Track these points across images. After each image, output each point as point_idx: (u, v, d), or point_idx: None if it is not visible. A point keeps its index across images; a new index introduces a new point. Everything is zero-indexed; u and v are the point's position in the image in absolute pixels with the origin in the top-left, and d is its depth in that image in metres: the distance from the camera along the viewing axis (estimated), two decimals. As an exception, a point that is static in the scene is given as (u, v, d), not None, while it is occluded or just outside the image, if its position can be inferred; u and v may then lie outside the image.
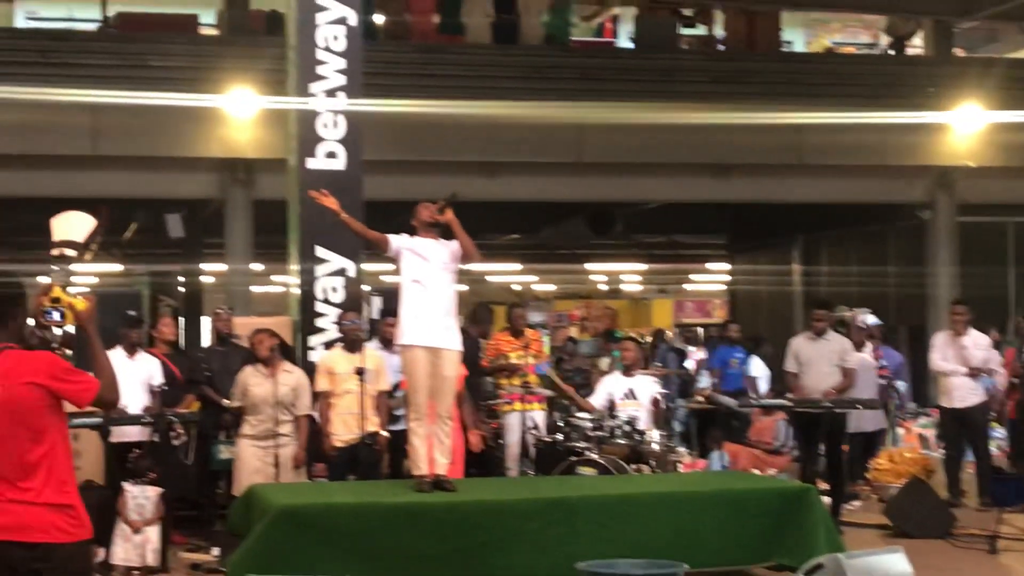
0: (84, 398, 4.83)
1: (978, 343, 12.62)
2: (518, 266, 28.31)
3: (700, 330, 25.18)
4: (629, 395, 11.35)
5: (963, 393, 12.50)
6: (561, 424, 10.87)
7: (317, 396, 10.14)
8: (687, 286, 33.22)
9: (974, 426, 12.56)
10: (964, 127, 17.65)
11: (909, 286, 18.81)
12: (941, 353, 12.69)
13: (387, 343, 10.89)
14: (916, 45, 21.20)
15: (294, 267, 11.88)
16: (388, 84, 14.59)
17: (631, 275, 32.49)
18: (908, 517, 10.81)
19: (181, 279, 22.14)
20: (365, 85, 12.07)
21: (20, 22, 22.73)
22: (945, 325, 13.81)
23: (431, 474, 8.58)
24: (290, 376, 10.09)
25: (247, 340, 10.70)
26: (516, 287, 31.96)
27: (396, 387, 10.41)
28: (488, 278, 27.80)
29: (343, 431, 9.91)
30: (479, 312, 13.62)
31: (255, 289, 20.20)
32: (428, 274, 8.55)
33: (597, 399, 11.36)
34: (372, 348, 10.52)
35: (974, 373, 12.40)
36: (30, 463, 4.71)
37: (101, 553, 9.35)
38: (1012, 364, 12.61)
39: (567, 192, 18.22)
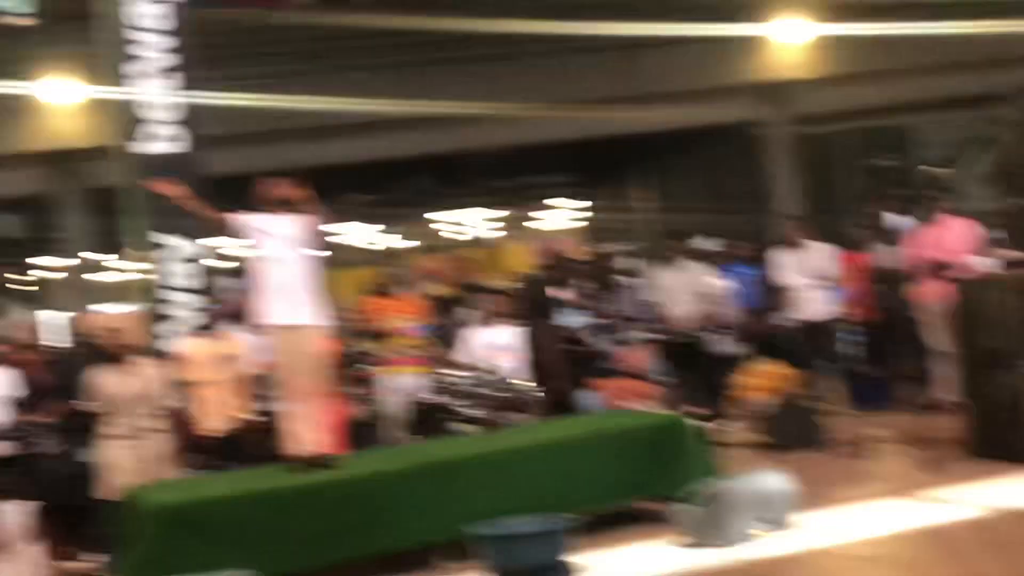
0: None
1: (821, 253, 12.80)
2: (371, 225, 28.09)
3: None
4: (495, 346, 11.34)
5: (816, 305, 12.72)
6: (436, 384, 10.83)
7: (180, 385, 9.93)
8: (540, 226, 33.28)
9: (827, 336, 12.81)
10: (790, 39, 17.85)
11: (752, 204, 19.13)
12: (790, 268, 12.87)
13: (242, 321, 10.72)
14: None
15: (138, 255, 11.60)
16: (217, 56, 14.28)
17: (484, 222, 32.40)
18: (779, 430, 11.04)
19: (21, 278, 21.56)
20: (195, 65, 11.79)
21: None
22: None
23: (308, 453, 8.48)
24: (145, 369, 9.82)
25: (98, 337, 10.42)
26: (372, 247, 31.69)
27: (263, 367, 10.24)
28: (341, 240, 27.49)
29: (213, 420, 9.73)
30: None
31: (104, 280, 19.70)
32: (281, 250, 8.37)
33: (464, 353, 11.33)
34: (232, 331, 10.32)
35: (826, 283, 12.62)
36: None
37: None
38: (866, 268, 12.84)
39: (409, 148, 18.09)
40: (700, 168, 21.57)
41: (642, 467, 8.66)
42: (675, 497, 8.29)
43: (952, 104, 18.81)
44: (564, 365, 11.36)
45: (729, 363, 13.61)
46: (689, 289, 11.54)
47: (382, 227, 29.40)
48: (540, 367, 11.01)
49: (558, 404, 10.97)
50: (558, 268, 13.08)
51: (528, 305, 11.19)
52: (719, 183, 20.51)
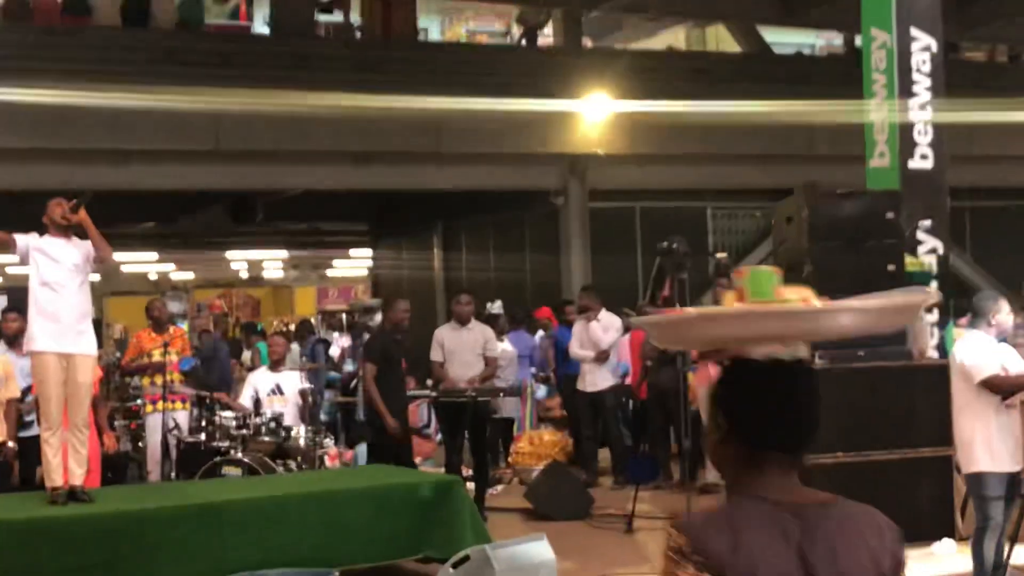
0: None
1: (608, 326, 13.09)
2: (154, 255, 27.46)
3: (344, 316, 25.14)
4: (276, 391, 11.21)
5: (595, 377, 12.98)
6: (204, 423, 10.58)
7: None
8: (330, 272, 33.12)
9: (606, 409, 13.06)
10: (593, 115, 18.28)
11: (545, 272, 19.39)
12: (576, 339, 13.13)
13: (10, 342, 10.33)
14: (547, 35, 21.82)
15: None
16: (8, 68, 13.82)
17: (273, 262, 32.09)
18: (549, 499, 11.13)
19: None
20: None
21: None
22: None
23: (66, 484, 8.17)
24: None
25: None
26: (153, 276, 30.99)
27: (27, 391, 9.87)
28: (123, 268, 26.80)
29: (-31, 441, 9.31)
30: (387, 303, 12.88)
31: None
32: (59, 276, 8.11)
33: (244, 396, 11.14)
34: (0, 351, 9.92)
35: (601, 357, 12.90)
36: None
37: None
38: (642, 346, 13.12)
39: (205, 180, 17.81)
40: (500, 231, 21.78)
41: (413, 527, 8.60)
42: (442, 560, 8.25)
43: (745, 194, 19.48)
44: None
45: (507, 427, 13.74)
46: (473, 350, 11.56)
47: (164, 258, 28.81)
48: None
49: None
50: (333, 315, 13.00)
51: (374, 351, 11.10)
52: (517, 248, 20.74)
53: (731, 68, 20.60)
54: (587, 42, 22.01)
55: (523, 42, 21.58)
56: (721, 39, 24.70)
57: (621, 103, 17.91)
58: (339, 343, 19.64)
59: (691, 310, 2.99)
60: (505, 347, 13.12)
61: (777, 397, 2.53)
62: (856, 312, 2.80)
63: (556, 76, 18.23)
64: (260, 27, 20.90)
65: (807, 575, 2.39)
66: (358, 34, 19.83)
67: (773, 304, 2.79)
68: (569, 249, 19.05)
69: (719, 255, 15.74)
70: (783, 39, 25.08)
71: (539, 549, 8.10)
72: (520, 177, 19.00)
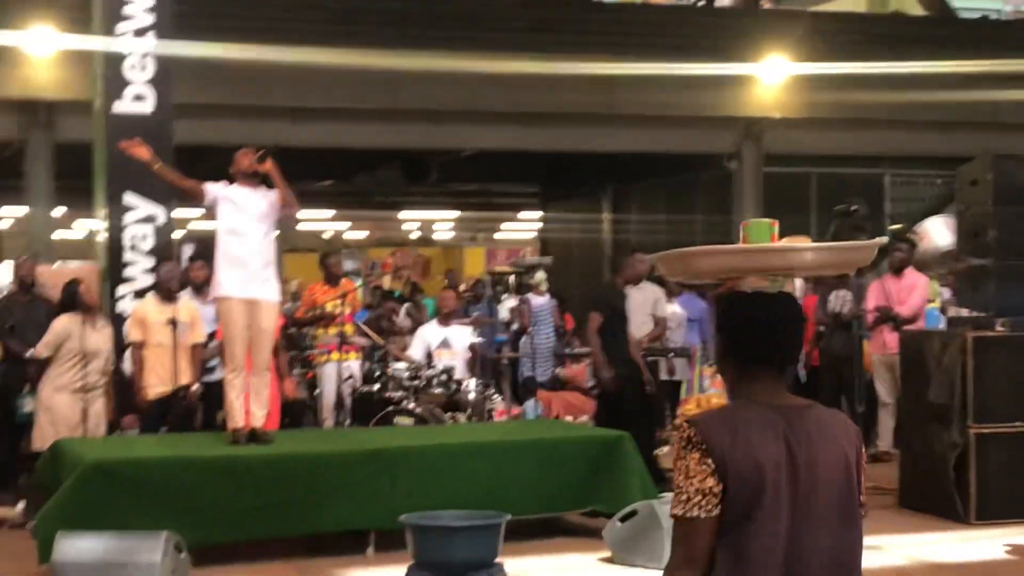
0: None
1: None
2: (330, 213, 27.98)
3: (511, 278, 25.29)
4: (445, 344, 11.37)
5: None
6: (378, 374, 10.81)
7: (129, 346, 9.89)
8: (498, 234, 33.34)
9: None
10: (770, 79, 18.05)
11: (716, 234, 19.21)
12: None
13: (197, 289, 10.69)
14: (725, -3, 21.61)
15: (101, 213, 11.50)
16: (198, 25, 14.18)
17: (443, 223, 32.43)
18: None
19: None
20: (174, 26, 11.72)
21: None
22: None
23: (247, 426, 8.45)
24: (107, 328, 9.83)
25: (51, 288, 10.33)
26: (327, 235, 31.61)
27: (210, 337, 10.22)
28: (299, 225, 27.39)
29: (156, 383, 9.68)
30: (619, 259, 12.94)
31: (56, 235, 19.50)
32: (245, 224, 8.37)
33: (415, 349, 11.34)
34: (186, 298, 10.26)
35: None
36: None
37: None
38: (815, 312, 12.94)
39: (381, 139, 18.07)
40: (671, 194, 21.68)
41: (581, 481, 8.66)
42: (607, 514, 8.32)
43: (924, 161, 19.04)
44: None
45: (675, 388, 13.69)
46: (643, 309, 11.53)
47: (339, 216, 29.32)
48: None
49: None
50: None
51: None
52: (687, 211, 20.63)
53: (913, 32, 20.08)
54: (765, 3, 21.69)
55: (699, 3, 21.37)
56: (903, 1, 24.09)
57: (799, 66, 17.65)
58: (506, 304, 19.80)
59: (692, 248, 3.56)
60: (675, 309, 13.06)
61: (762, 322, 3.07)
62: (816, 250, 3.55)
63: (733, 38, 18.03)
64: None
65: (790, 458, 2.97)
66: (535, -6, 19.84)
67: (754, 244, 3.37)
68: (742, 213, 18.86)
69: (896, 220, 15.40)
70: (969, 3, 24.35)
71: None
72: (694, 140, 18.86)
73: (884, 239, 3.83)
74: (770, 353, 3.08)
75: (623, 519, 8.05)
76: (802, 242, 3.49)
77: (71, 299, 9.90)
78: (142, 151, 8.56)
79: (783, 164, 19.21)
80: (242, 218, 8.36)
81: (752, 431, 2.96)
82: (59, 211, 18.18)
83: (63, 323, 9.74)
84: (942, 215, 10.82)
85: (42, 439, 9.57)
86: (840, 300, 11.89)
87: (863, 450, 3.13)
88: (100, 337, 9.68)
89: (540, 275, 15.80)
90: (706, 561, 2.95)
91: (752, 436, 2.95)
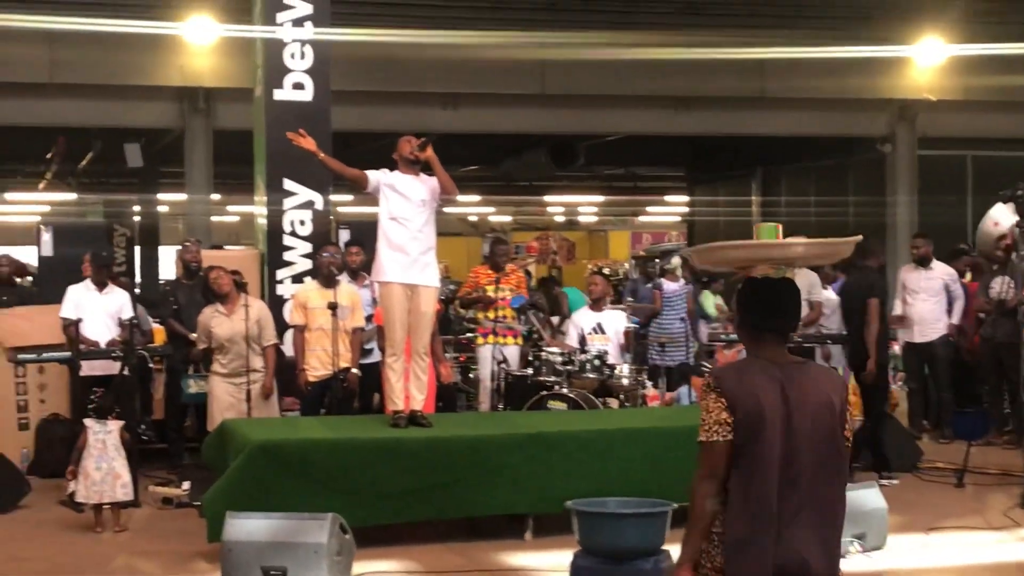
0: None
1: (943, 274, 12.65)
2: (476, 197, 28.18)
3: (657, 261, 25.16)
4: (597, 329, 11.36)
5: (925, 327, 12.56)
6: (531, 358, 10.85)
7: (291, 329, 10.09)
8: (644, 217, 33.23)
9: (936, 359, 12.63)
10: (925, 60, 17.68)
11: (868, 217, 18.89)
12: (904, 287, 12.73)
13: (354, 274, 10.84)
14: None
15: (260, 199, 11.74)
16: (351, 13, 14.39)
17: (588, 206, 32.42)
18: (877, 451, 10.87)
19: (137, 209, 21.90)
20: (331, 15, 11.89)
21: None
22: (906, 258, 13.90)
23: (407, 409, 8.56)
24: (251, 309, 10.01)
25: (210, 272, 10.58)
26: (472, 218, 31.83)
27: (368, 320, 10.37)
28: (445, 209, 27.64)
29: (316, 366, 9.85)
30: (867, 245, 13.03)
31: (213, 219, 19.98)
32: (407, 210, 8.47)
33: (570, 335, 11.36)
34: (346, 282, 10.42)
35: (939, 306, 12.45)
36: None
37: (71, 487, 9.29)
38: (975, 299, 12.65)
39: (529, 124, 18.16)
40: (822, 177, 21.38)
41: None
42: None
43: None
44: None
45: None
46: (801, 295, 11.37)
47: (484, 200, 29.47)
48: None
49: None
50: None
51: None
52: (839, 193, 20.30)
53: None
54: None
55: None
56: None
57: (956, 47, 17.25)
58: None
59: (714, 243, 4.48)
60: (829, 295, 12.86)
61: (769, 299, 4.06)
62: (805, 245, 4.47)
63: (887, 19, 17.68)
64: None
65: (784, 399, 3.90)
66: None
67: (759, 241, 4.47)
68: (895, 196, 18.52)
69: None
70: None
71: (871, 496, 7.99)
72: (846, 123, 18.59)
73: (859, 237, 4.67)
74: (774, 322, 4.04)
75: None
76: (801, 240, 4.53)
77: (205, 289, 10.17)
78: (308, 141, 8.70)
79: (938, 147, 18.80)
80: (404, 205, 8.46)
81: (755, 378, 3.93)
82: (216, 196, 18.58)
83: (202, 315, 10.01)
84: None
85: (210, 422, 9.83)
86: (1004, 285, 11.61)
87: (847, 396, 4.05)
88: (245, 321, 9.82)
89: (676, 260, 15.67)
90: (723, 476, 3.91)
91: (755, 381, 3.92)
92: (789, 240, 4.48)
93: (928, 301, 12.50)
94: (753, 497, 3.89)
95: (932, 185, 18.52)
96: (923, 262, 12.62)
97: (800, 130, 18.70)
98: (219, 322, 9.87)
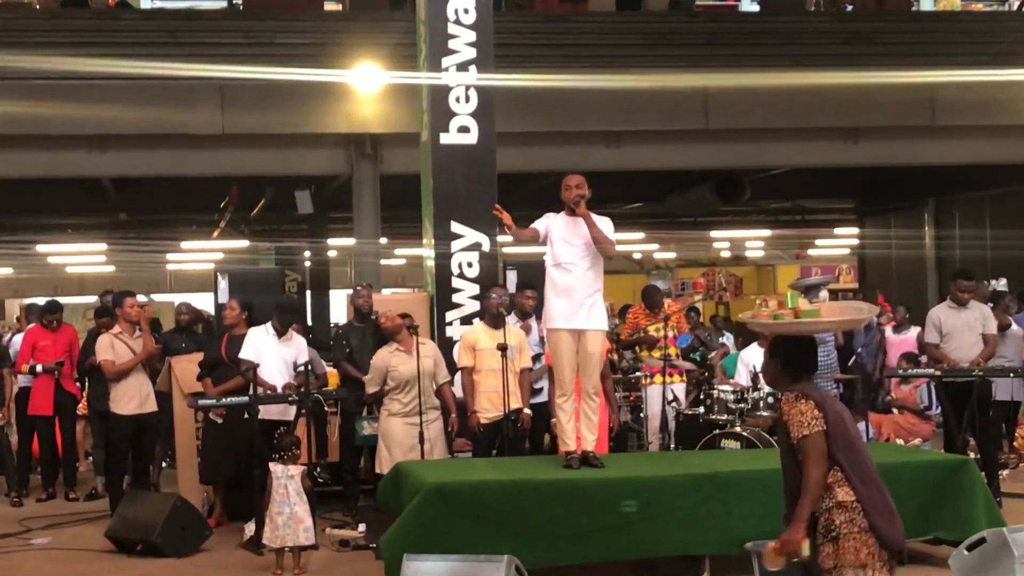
0: None
1: None
2: (640, 234, 28.07)
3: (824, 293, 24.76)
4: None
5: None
6: (702, 396, 10.74)
7: (461, 371, 10.14)
8: (812, 251, 32.70)
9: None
10: (1103, 82, 17.09)
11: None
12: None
13: (524, 315, 10.86)
14: (1050, -1, 20.59)
15: (428, 242, 11.86)
16: (512, 55, 14.49)
17: (755, 241, 32.05)
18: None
19: (308, 254, 22.36)
20: (494, 58, 11.99)
21: (146, 3, 23.03)
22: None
23: (579, 450, 8.53)
24: (427, 348, 10.12)
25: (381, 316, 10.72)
26: (637, 255, 31.70)
27: (536, 359, 10.37)
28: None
29: (487, 407, 9.89)
30: None
31: (382, 263, 20.26)
32: (570, 255, 8.44)
33: (740, 373, 11.21)
34: (513, 323, 10.44)
35: None
36: None
37: (251, 530, 9.47)
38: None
39: (693, 159, 18.03)
40: (997, 205, 20.78)
41: (922, 507, 8.36)
42: (953, 542, 7.99)
43: None
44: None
45: (1012, 409, 13.08)
46: (975, 330, 11.08)
47: (649, 237, 29.34)
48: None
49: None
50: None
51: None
52: (1016, 223, 19.67)
53: None
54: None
55: (1022, 9, 20.43)
56: None
57: None
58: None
59: (761, 322, 5.98)
60: (1013, 328, 12.48)
61: (799, 353, 5.54)
62: (825, 323, 6.12)
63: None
64: (749, 5, 20.91)
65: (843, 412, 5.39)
66: (849, 8, 19.43)
67: (795, 322, 5.79)
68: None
69: None
70: None
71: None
72: (1019, 149, 18.00)
73: (877, 309, 5.78)
74: (805, 368, 5.50)
75: (970, 547, 7.70)
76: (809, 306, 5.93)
77: (378, 330, 10.29)
78: (506, 216, 8.70)
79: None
80: (567, 250, 8.45)
81: (825, 397, 5.39)
82: (384, 240, 18.84)
83: (379, 356, 10.11)
84: None
85: (380, 464, 9.92)
86: None
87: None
88: (423, 361, 9.93)
89: (823, 294, 15.37)
90: (828, 461, 5.25)
91: (827, 399, 5.36)
92: (821, 320, 5.95)
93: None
94: (864, 470, 5.29)
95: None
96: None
97: (973, 158, 18.19)
98: (398, 361, 9.96)
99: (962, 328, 11.16)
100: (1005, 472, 12.12)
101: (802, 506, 5.19)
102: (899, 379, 13.34)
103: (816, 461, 5.16)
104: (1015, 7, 21.81)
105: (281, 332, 10.44)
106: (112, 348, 10.90)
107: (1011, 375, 11.31)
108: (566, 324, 8.49)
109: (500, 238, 11.91)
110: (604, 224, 8.57)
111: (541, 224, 8.59)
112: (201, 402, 10.07)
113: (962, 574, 7.65)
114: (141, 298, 12.17)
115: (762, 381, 10.88)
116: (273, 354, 10.30)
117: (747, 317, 6.16)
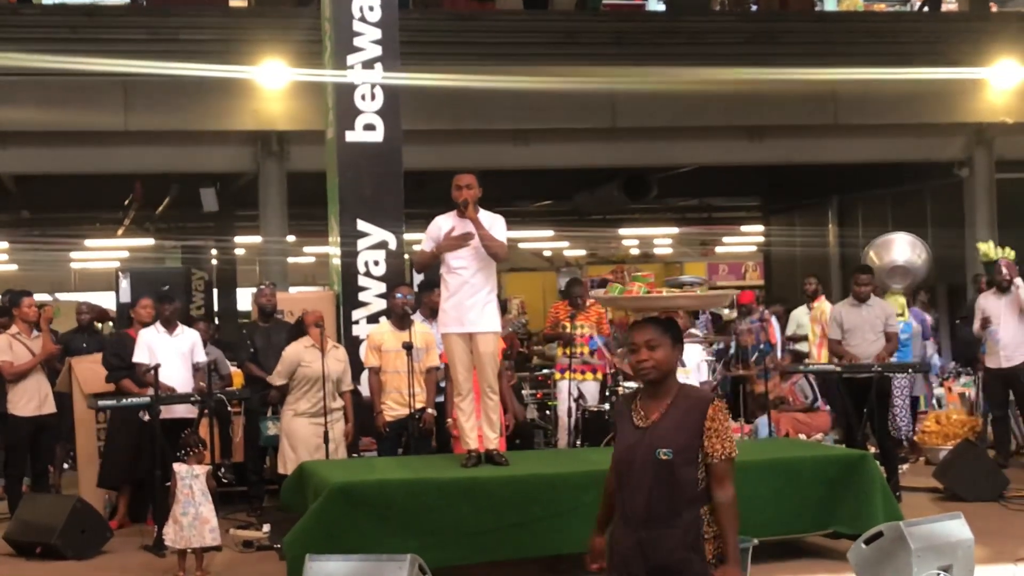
0: None
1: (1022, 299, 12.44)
2: (549, 232, 28.16)
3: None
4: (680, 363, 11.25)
5: (1009, 352, 12.34)
6: (608, 393, 10.79)
7: (368, 371, 10.10)
8: (719, 248, 33.03)
9: (1020, 385, 12.41)
10: (1001, 83, 17.46)
11: (947, 246, 18.64)
12: (984, 313, 12.52)
13: (433, 314, 10.83)
14: (950, 1, 20.97)
15: (335, 240, 11.81)
16: (419, 53, 14.47)
17: (663, 238, 32.29)
18: (960, 479, 10.72)
19: (214, 252, 22.14)
20: (399, 56, 11.96)
21: (47, -2, 22.61)
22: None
23: (481, 448, 8.52)
24: (339, 352, 10.08)
25: (289, 315, 10.63)
26: (547, 253, 31.80)
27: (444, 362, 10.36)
28: (520, 245, 27.65)
29: (393, 406, 9.85)
30: None
31: (289, 261, 20.13)
32: (459, 259, 8.36)
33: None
34: (419, 322, 10.40)
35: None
36: None
37: (154, 531, 9.36)
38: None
39: (601, 158, 18.14)
40: (899, 204, 21.14)
41: (822, 501, 8.49)
42: (851, 535, 8.11)
43: None
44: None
45: (911, 404, 13.29)
46: (876, 328, 11.24)
47: (558, 235, 29.46)
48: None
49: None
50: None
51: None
52: (917, 221, 20.02)
53: None
54: (992, 8, 20.98)
55: (924, 9, 20.79)
56: None
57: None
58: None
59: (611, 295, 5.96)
60: (912, 324, 12.70)
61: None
62: (682, 298, 6.08)
63: (960, 43, 17.52)
64: (655, 5, 21.07)
65: None
66: (753, 8, 19.66)
67: (650, 295, 5.75)
68: (974, 223, 18.26)
69: None
70: None
71: (956, 528, 7.79)
72: (921, 148, 18.37)
73: (733, 294, 5.52)
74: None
75: (867, 541, 7.81)
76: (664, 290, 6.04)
77: (298, 326, 10.21)
78: (460, 241, 8.48)
79: (1017, 170, 18.52)
80: (456, 253, 8.38)
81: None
82: (290, 238, 18.72)
83: (292, 351, 10.03)
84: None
85: (284, 463, 9.86)
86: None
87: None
88: (334, 363, 9.91)
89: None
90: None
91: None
92: (676, 293, 6.10)
93: (1011, 326, 12.29)
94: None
95: (1012, 209, 18.23)
96: (1004, 287, 12.42)
97: (875, 156, 18.51)
98: (314, 356, 9.86)
99: (863, 325, 11.31)
100: (904, 467, 12.32)
101: (734, 543, 4.88)
102: (778, 376, 13.47)
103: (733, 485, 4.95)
104: (916, 7, 22.19)
105: (167, 323, 10.30)
106: (10, 349, 10.71)
107: (909, 371, 11.50)
108: (458, 328, 8.42)
109: (407, 236, 11.88)
110: (496, 223, 8.42)
111: (430, 239, 8.47)
112: (101, 403, 9.92)
113: (860, 568, 7.76)
114: (45, 297, 11.97)
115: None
116: (167, 350, 10.15)
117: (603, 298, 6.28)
